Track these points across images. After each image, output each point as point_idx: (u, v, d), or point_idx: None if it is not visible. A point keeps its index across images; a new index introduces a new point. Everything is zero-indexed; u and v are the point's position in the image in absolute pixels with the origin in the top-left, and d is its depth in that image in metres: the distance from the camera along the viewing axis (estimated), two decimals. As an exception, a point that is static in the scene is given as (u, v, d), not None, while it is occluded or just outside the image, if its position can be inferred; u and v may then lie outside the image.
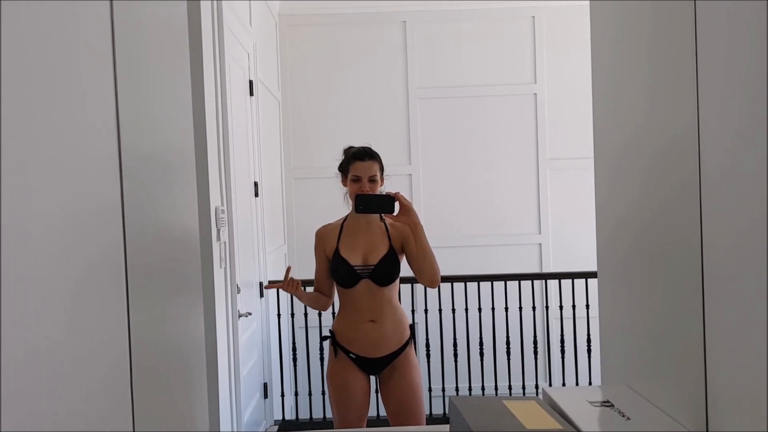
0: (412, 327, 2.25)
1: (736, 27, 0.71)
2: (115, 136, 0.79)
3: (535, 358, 3.62)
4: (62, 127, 0.66)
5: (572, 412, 0.91)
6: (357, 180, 2.14)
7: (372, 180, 2.14)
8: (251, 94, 3.23)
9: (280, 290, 3.16)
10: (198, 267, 1.23)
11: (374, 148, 2.22)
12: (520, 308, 3.58)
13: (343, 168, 2.21)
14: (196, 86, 2.31)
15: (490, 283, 3.57)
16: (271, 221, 3.69)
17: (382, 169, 2.19)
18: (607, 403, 0.95)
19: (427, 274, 2.10)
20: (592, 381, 3.69)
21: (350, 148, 2.23)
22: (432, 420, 3.55)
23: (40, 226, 0.60)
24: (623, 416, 0.90)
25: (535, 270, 4.26)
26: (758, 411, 0.68)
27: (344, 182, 2.22)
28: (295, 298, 2.15)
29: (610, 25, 1.14)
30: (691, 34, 0.81)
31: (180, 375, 1.07)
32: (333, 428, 2.39)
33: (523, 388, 3.74)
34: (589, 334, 3.58)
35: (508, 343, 3.57)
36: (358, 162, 2.15)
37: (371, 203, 2.00)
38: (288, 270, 2.14)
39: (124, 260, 0.80)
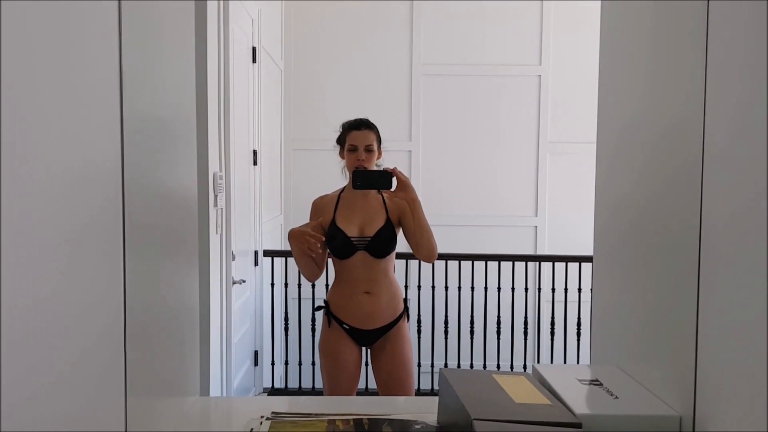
0: (406, 301, 2.27)
1: (750, 10, 0.71)
2: (117, 95, 0.79)
3: (525, 339, 3.66)
4: (65, 85, 0.66)
5: (561, 388, 0.92)
6: (353, 149, 2.14)
7: (368, 150, 2.13)
8: (254, 61, 3.19)
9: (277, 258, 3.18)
10: (195, 231, 1.22)
11: (375, 123, 2.22)
12: (513, 289, 3.61)
13: (341, 139, 2.21)
14: (199, 49, 2.28)
15: (484, 262, 3.59)
16: (268, 190, 3.68)
17: (379, 141, 2.18)
18: (596, 382, 0.96)
19: (425, 249, 2.10)
20: (579, 364, 3.73)
21: (347, 121, 2.24)
22: (420, 395, 3.59)
23: (40, 178, 0.60)
24: (611, 395, 0.91)
25: (530, 252, 4.28)
26: (746, 397, 0.69)
27: (342, 154, 2.22)
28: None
29: (621, 7, 1.12)
30: (702, 16, 0.80)
31: (173, 338, 1.08)
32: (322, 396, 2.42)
33: (512, 367, 3.78)
34: (579, 318, 3.61)
35: (498, 322, 3.60)
36: (354, 131, 2.15)
37: (369, 179, 1.99)
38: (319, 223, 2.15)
39: (122, 218, 0.80)
